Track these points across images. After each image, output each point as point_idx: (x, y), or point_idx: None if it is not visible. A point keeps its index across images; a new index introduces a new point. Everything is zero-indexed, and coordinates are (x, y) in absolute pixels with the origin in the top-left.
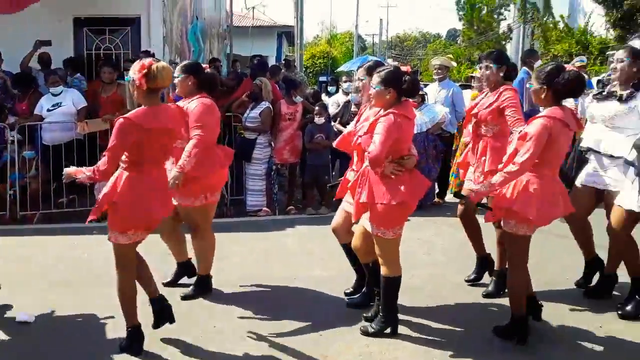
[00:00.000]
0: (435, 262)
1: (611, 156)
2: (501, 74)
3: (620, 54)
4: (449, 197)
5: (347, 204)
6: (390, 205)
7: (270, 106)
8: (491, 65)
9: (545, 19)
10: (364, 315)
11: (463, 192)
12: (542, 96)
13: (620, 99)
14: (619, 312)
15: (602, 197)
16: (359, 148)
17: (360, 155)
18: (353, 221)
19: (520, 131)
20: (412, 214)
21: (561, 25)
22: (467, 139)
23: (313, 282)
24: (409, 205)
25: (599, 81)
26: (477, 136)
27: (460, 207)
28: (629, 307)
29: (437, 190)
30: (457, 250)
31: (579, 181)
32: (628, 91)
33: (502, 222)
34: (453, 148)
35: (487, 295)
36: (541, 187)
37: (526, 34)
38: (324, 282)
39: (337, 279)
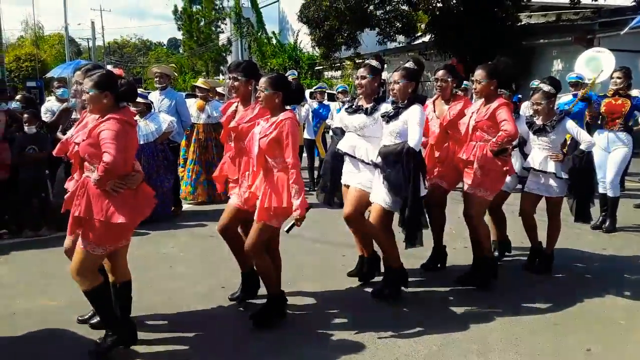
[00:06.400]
0: (174, 275)
1: (363, 161)
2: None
3: (361, 71)
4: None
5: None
6: (109, 223)
7: None
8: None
9: (259, 34)
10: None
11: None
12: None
13: (366, 112)
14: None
15: None
16: (76, 156)
17: (78, 163)
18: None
19: None
20: (150, 228)
21: (274, 41)
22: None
23: (36, 314)
24: (129, 226)
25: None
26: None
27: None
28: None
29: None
30: (199, 261)
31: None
32: (371, 105)
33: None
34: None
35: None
36: None
37: (244, 48)
38: (52, 314)
39: (65, 310)
